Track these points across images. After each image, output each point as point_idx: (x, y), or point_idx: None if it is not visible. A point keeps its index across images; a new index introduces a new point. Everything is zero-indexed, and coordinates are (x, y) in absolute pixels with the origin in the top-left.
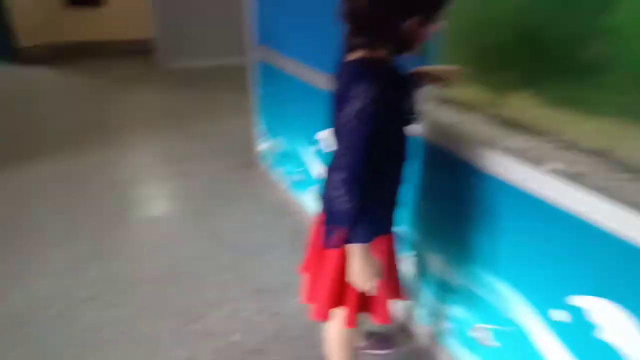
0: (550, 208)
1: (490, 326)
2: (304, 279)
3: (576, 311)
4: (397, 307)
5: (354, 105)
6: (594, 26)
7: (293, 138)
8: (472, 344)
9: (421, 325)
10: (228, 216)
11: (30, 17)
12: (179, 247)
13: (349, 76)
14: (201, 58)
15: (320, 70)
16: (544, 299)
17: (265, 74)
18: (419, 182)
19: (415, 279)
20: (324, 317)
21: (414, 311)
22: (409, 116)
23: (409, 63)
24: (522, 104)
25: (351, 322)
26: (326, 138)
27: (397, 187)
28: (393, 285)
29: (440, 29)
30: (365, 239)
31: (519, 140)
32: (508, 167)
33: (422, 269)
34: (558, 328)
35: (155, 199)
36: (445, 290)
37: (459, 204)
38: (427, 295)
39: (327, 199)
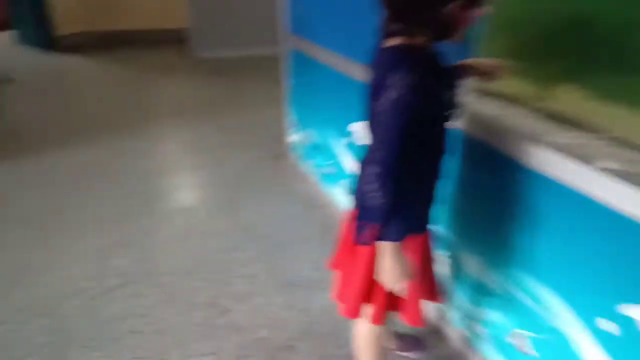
0: (600, 208)
1: (529, 333)
2: (334, 275)
3: (627, 322)
4: (429, 308)
5: (390, 95)
6: None
7: (324, 130)
8: (509, 351)
9: (454, 328)
10: (257, 208)
11: (68, 5)
12: (207, 238)
13: (386, 64)
14: (234, 48)
15: (355, 60)
16: (591, 307)
17: (297, 64)
18: (457, 178)
19: (450, 279)
20: (354, 314)
21: (447, 313)
22: (448, 108)
23: (451, 51)
24: (569, 97)
25: (377, 319)
26: (359, 130)
27: (434, 183)
28: (427, 286)
29: (484, 14)
30: (398, 236)
31: (566, 136)
32: (555, 163)
33: (457, 270)
34: (605, 340)
35: (185, 189)
36: (482, 293)
37: (500, 202)
38: (461, 297)
39: (359, 193)
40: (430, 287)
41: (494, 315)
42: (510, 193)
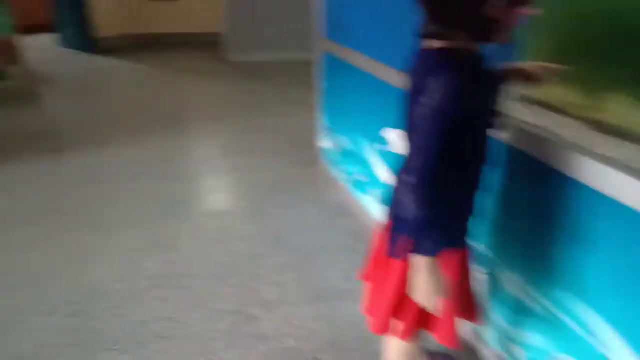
0: None
1: (572, 359)
2: (364, 287)
3: None
4: (464, 327)
5: (429, 101)
6: None
7: (357, 136)
8: None
9: (491, 350)
10: (287, 214)
11: (108, 9)
12: (236, 244)
13: (425, 69)
14: (267, 52)
15: (390, 65)
16: None
17: (330, 69)
18: (498, 191)
19: (487, 297)
20: (384, 330)
21: (483, 333)
22: (491, 116)
23: (495, 54)
24: (622, 108)
25: (407, 336)
26: (394, 138)
27: (474, 195)
28: (463, 304)
29: (531, 13)
30: (433, 251)
31: (619, 148)
32: (606, 177)
33: (495, 288)
34: None
35: (215, 193)
36: (521, 313)
37: (545, 217)
38: (499, 317)
39: (394, 204)
40: (467, 305)
41: (534, 338)
42: (556, 208)
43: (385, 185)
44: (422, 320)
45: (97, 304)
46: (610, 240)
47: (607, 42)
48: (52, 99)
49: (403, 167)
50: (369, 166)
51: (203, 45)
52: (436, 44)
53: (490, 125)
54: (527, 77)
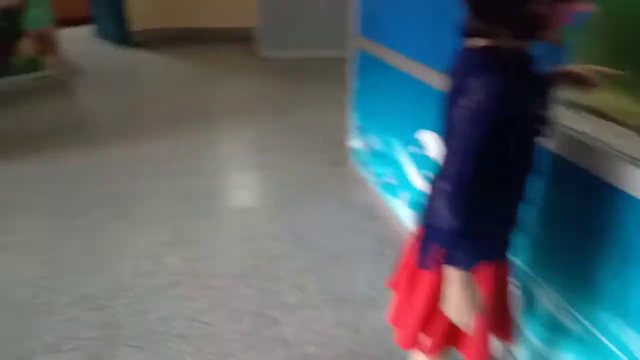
0: None
1: None
2: (391, 296)
3: None
4: (495, 344)
5: (469, 103)
6: None
7: (389, 137)
8: None
9: None
10: (313, 214)
11: (143, 3)
12: (259, 243)
13: (467, 68)
14: (300, 48)
15: (427, 65)
16: None
17: (363, 67)
18: (540, 202)
19: (520, 313)
20: (411, 345)
21: (515, 351)
22: (538, 121)
23: (543, 55)
24: None
25: (434, 352)
26: (429, 140)
27: (517, 205)
28: (498, 322)
29: (584, 10)
30: (468, 264)
31: None
32: None
33: (530, 304)
34: None
35: (241, 190)
36: (557, 332)
37: (591, 233)
38: (532, 335)
39: (427, 211)
40: (501, 323)
41: (570, 358)
42: (604, 222)
43: (417, 190)
44: (452, 336)
45: (119, 299)
46: None
47: None
48: (83, 91)
49: (438, 173)
50: (401, 169)
51: (236, 40)
52: (479, 42)
53: (537, 132)
54: (579, 81)
